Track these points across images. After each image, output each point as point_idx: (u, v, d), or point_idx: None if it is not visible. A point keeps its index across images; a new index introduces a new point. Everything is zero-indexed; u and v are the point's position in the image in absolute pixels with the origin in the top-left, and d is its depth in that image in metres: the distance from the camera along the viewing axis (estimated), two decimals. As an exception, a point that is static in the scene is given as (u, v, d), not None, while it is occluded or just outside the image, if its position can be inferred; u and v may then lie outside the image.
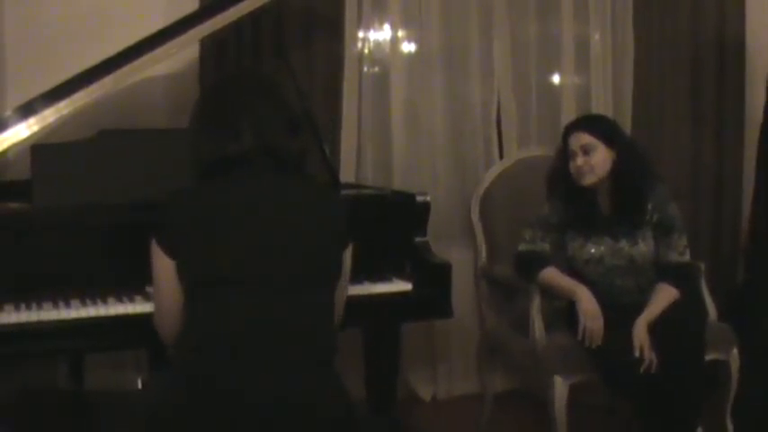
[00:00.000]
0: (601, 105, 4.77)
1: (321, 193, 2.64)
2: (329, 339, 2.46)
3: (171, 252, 2.37)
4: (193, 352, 2.35)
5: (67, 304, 2.91)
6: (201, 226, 2.35)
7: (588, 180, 3.56)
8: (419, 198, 3.48)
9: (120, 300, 2.96)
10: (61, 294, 2.96)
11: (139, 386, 2.68)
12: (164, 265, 2.40)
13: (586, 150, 3.55)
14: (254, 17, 3.99)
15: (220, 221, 2.36)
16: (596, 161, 3.55)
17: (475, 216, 4.37)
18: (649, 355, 3.30)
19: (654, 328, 3.37)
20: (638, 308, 3.45)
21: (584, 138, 3.57)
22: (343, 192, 3.63)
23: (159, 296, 2.48)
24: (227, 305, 2.33)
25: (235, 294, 2.33)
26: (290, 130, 2.47)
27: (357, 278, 3.13)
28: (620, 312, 3.43)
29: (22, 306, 2.88)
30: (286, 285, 2.36)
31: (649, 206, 3.58)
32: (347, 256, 2.57)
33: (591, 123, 3.68)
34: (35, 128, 3.29)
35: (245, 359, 2.30)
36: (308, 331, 2.38)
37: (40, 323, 2.83)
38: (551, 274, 3.62)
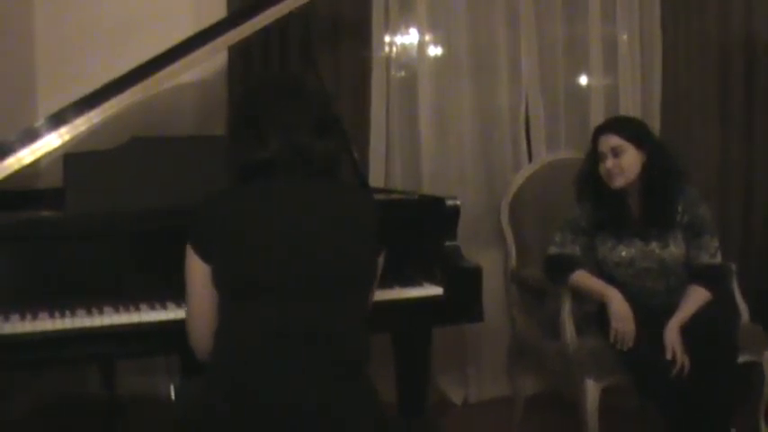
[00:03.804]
0: (629, 107, 4.75)
1: (355, 197, 2.62)
2: (363, 345, 2.45)
3: (205, 256, 2.37)
4: (227, 359, 2.34)
5: (100, 311, 2.93)
6: (234, 231, 2.34)
7: (618, 182, 3.55)
8: (449, 202, 3.47)
9: (152, 306, 2.97)
10: (94, 301, 2.97)
11: (172, 392, 2.69)
12: (197, 269, 2.39)
13: (616, 153, 3.55)
14: (282, 23, 4.01)
15: (253, 227, 2.35)
16: (626, 163, 3.54)
17: (504, 219, 4.37)
18: (681, 358, 3.29)
19: (686, 331, 3.36)
20: (670, 310, 3.44)
21: (614, 140, 3.56)
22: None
23: (192, 301, 2.46)
24: (262, 312, 2.31)
25: (269, 301, 2.31)
26: (318, 131, 2.45)
27: (388, 283, 3.14)
28: (651, 315, 3.43)
29: (56, 313, 2.89)
30: (320, 291, 2.34)
31: (680, 208, 3.57)
32: (380, 261, 2.56)
33: (620, 125, 3.67)
34: (66, 137, 3.31)
35: (279, 366, 2.29)
36: (342, 338, 2.37)
37: (73, 330, 2.85)
38: (582, 277, 3.61)
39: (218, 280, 2.37)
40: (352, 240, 2.43)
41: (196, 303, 2.45)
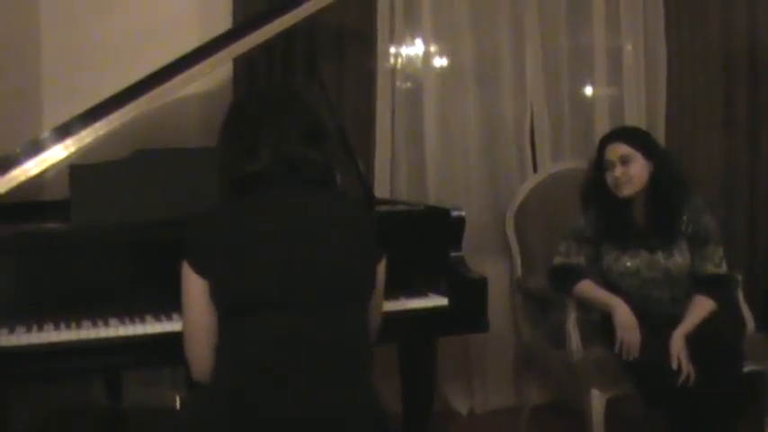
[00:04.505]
0: (634, 116, 4.74)
1: (350, 207, 2.61)
2: (365, 355, 2.45)
3: (202, 271, 2.35)
4: (229, 373, 2.33)
5: (106, 322, 2.94)
6: (231, 245, 2.33)
7: (626, 191, 3.55)
8: (454, 213, 3.48)
9: (157, 318, 2.98)
10: (100, 313, 2.99)
11: (177, 404, 2.69)
12: (195, 286, 2.37)
13: (625, 161, 3.55)
14: (287, 35, 4.01)
15: (249, 240, 2.34)
16: (635, 172, 3.54)
17: (510, 229, 4.37)
18: (687, 368, 3.28)
19: (691, 341, 3.36)
20: (675, 320, 3.43)
21: (623, 148, 3.56)
22: (378, 208, 3.64)
23: (190, 319, 2.43)
24: (263, 326, 2.31)
25: (270, 315, 2.31)
26: (310, 141, 2.44)
27: (393, 294, 3.13)
28: (656, 325, 3.42)
29: (62, 325, 2.91)
30: (320, 303, 2.34)
31: (684, 218, 3.57)
32: (381, 269, 2.55)
33: (629, 134, 3.68)
34: (72, 148, 3.32)
35: (281, 379, 2.28)
36: (345, 348, 2.37)
37: (78, 341, 2.87)
38: (587, 287, 3.61)
39: (217, 295, 2.36)
40: (350, 250, 2.43)
41: (194, 320, 2.42)
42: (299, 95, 2.64)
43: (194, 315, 2.41)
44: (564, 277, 3.69)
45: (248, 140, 2.43)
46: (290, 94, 2.61)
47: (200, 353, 2.42)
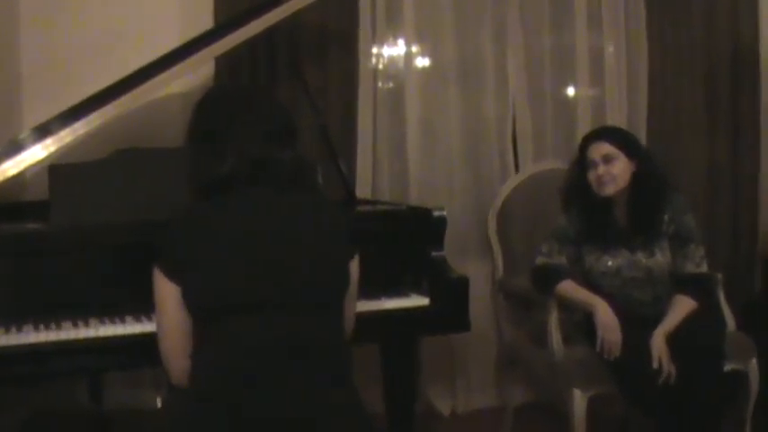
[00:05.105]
0: (616, 117, 4.76)
1: (323, 205, 2.56)
2: (344, 353, 2.44)
3: (174, 277, 2.33)
4: (211, 376, 2.30)
5: (86, 323, 2.93)
6: (202, 249, 2.31)
7: (609, 190, 3.55)
8: (435, 213, 3.47)
9: (137, 319, 2.97)
10: (80, 313, 2.98)
11: (158, 405, 2.68)
12: (168, 291, 2.35)
13: (607, 160, 3.54)
14: (269, 34, 4.00)
15: (220, 244, 2.32)
16: (617, 171, 3.54)
17: (492, 230, 4.37)
18: (668, 367, 3.29)
19: (672, 340, 3.36)
20: (656, 319, 3.44)
21: (606, 147, 3.56)
22: (360, 208, 3.64)
23: (164, 323, 2.41)
24: (238, 329, 2.29)
25: (246, 318, 2.29)
26: (276, 141, 2.41)
27: (374, 294, 3.14)
28: (637, 324, 3.43)
29: (41, 326, 2.90)
30: (295, 303, 2.32)
31: (666, 217, 3.57)
32: (354, 267, 2.53)
33: (611, 133, 3.68)
34: (52, 148, 3.31)
35: (264, 381, 2.27)
36: (323, 347, 2.35)
37: (59, 342, 2.85)
38: (568, 287, 3.61)
39: (192, 298, 2.33)
40: (326, 249, 2.42)
41: (168, 324, 2.40)
42: (267, 92, 2.62)
43: (167, 318, 2.39)
44: (546, 277, 3.69)
45: (214, 141, 2.39)
46: (255, 92, 2.59)
47: (176, 355, 2.41)
